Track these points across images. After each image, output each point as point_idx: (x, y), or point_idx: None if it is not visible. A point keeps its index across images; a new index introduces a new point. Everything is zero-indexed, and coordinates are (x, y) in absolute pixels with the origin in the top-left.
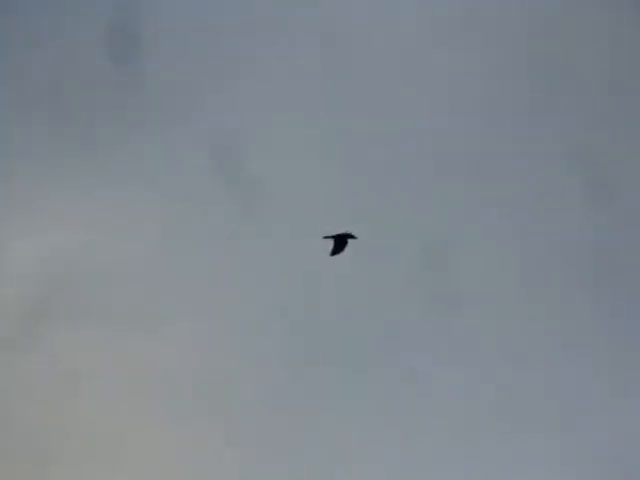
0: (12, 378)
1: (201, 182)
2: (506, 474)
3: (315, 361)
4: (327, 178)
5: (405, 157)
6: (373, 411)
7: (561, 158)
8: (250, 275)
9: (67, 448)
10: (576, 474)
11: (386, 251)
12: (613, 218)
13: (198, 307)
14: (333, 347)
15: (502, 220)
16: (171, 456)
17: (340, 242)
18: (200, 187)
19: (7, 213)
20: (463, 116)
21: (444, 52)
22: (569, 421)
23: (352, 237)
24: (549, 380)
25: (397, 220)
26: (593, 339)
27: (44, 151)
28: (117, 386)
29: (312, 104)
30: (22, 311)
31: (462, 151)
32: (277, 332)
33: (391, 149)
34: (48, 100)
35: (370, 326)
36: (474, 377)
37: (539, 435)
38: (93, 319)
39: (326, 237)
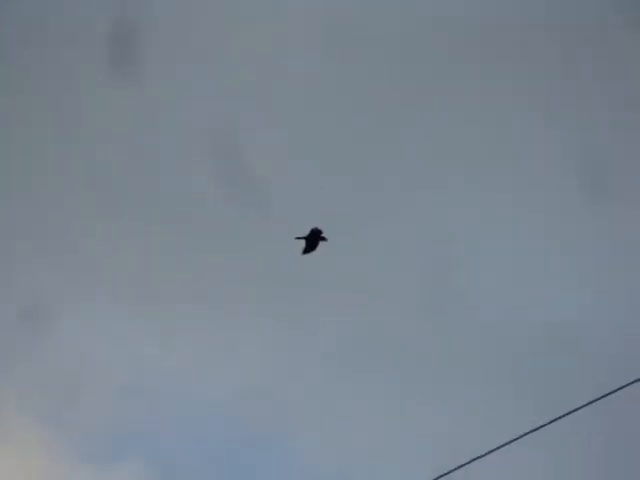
0: None
1: (200, 180)
2: None
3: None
4: (327, 177)
5: (405, 157)
6: None
7: (562, 158)
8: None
9: None
10: None
11: (386, 250)
12: (613, 219)
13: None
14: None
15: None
16: None
17: (312, 242)
18: (199, 185)
19: None
20: (463, 114)
21: (441, 51)
22: None
23: (323, 239)
24: None
25: (398, 219)
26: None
27: (44, 150)
28: None
29: (311, 103)
30: None
31: (462, 149)
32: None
33: (392, 150)
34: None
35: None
36: None
37: None
38: None
39: (298, 238)
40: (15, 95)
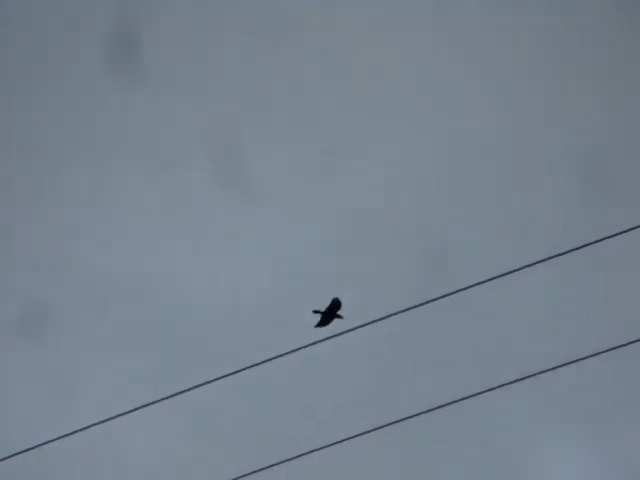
0: None
1: (200, 180)
2: None
3: None
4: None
5: (404, 157)
6: None
7: (562, 158)
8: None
9: None
10: None
11: (386, 251)
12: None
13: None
14: None
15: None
16: None
17: (328, 317)
18: (199, 186)
19: None
20: (464, 115)
21: (443, 55)
22: None
23: (339, 317)
24: None
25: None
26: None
27: (44, 145)
28: None
29: (311, 104)
30: None
31: (463, 148)
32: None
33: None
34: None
35: None
36: None
37: None
38: None
39: (316, 311)
40: (15, 95)
